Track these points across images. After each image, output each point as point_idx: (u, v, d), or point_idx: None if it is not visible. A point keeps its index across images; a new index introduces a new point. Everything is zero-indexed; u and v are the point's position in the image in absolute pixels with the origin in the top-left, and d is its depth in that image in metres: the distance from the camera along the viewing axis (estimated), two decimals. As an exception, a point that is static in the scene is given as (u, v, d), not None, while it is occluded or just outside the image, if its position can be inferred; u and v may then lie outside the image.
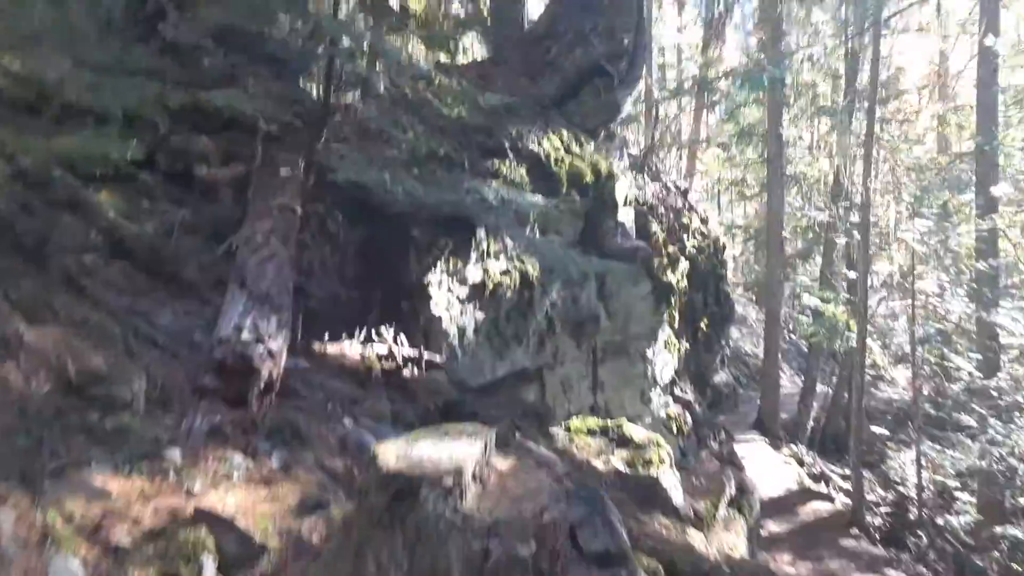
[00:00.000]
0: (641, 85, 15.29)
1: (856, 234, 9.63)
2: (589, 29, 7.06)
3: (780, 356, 13.17)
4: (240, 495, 2.19)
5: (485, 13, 8.39)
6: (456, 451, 1.71)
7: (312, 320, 4.12)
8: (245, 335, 2.74)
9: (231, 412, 2.58)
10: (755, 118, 12.21)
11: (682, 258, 11.94)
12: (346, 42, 4.39)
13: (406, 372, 4.48)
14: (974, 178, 9.85)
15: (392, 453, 1.69)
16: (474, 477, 1.69)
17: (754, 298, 17.79)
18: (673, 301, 8.94)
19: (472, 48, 8.39)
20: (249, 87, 4.10)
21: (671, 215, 12.38)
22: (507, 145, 6.17)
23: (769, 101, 10.77)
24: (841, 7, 9.78)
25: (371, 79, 4.79)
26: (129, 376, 2.48)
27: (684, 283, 11.93)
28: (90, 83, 3.54)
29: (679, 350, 11.81)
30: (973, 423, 9.09)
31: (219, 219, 4.25)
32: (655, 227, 11.60)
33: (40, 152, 2.40)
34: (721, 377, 13.30)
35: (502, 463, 1.89)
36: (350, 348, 4.37)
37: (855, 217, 9.87)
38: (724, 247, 13.07)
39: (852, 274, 10.43)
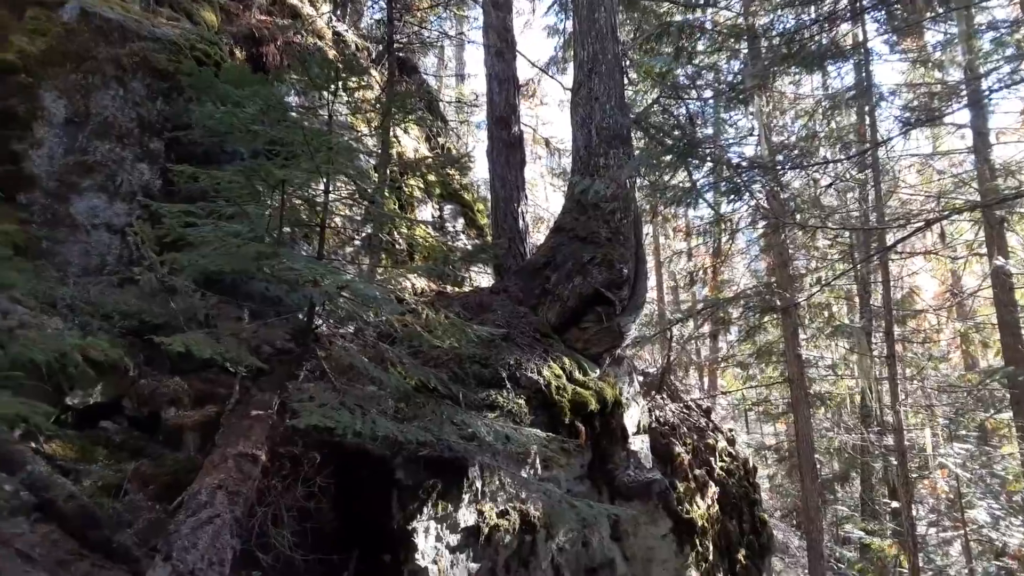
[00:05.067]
0: (653, 308, 15.48)
1: (893, 459, 9.00)
2: (588, 260, 7.11)
3: (828, 594, 11.84)
4: None
5: (490, 241, 8.61)
6: None
7: (271, 583, 3.66)
8: (149, 628, 2.31)
9: None
10: (772, 337, 12.07)
11: (711, 482, 11.19)
12: (328, 283, 4.32)
13: (377, 644, 3.89)
14: (1008, 395, 9.36)
15: None
16: None
17: (795, 524, 16.52)
18: (697, 540, 8.16)
19: (472, 278, 8.49)
20: (219, 328, 3.97)
21: (695, 436, 11.82)
22: (504, 375, 5.93)
23: (783, 322, 10.67)
24: (846, 234, 9.98)
25: (355, 316, 4.68)
26: None
27: (715, 509, 11.09)
28: (53, 331, 3.43)
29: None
30: None
31: (179, 469, 3.95)
32: (679, 448, 11.00)
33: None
34: (766, 619, 11.91)
35: None
36: (314, 616, 3.84)
37: (889, 440, 9.30)
38: (755, 469, 12.30)
39: (895, 503, 9.62)
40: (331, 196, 5.16)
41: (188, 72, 5.32)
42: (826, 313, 11.61)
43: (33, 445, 3.29)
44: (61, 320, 3.55)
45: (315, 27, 8.17)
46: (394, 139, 7.96)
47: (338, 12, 9.68)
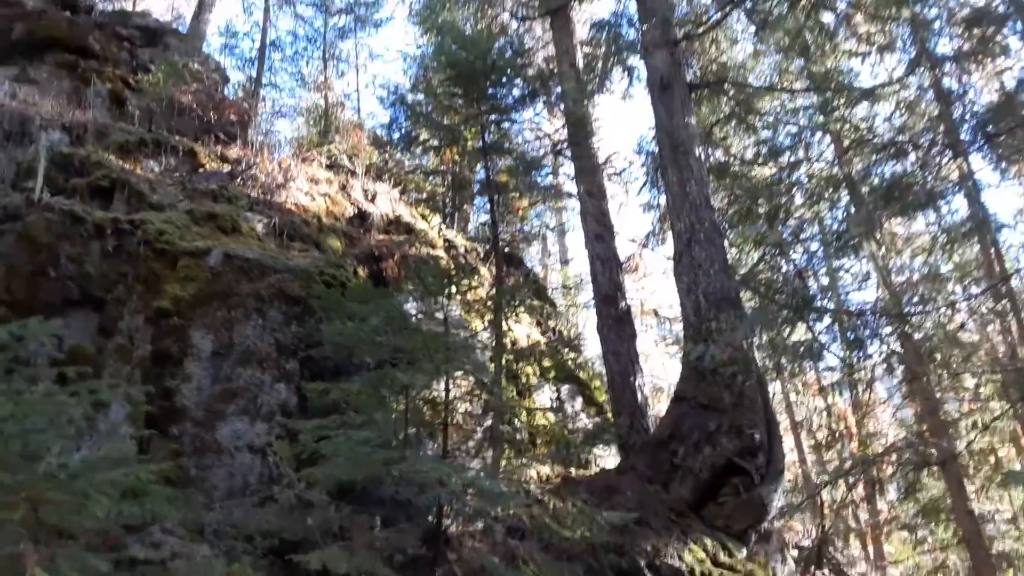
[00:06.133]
0: (796, 472, 14.44)
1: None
2: (715, 428, 6.86)
3: None
4: None
5: (610, 419, 8.51)
6: None
7: None
8: None
9: None
10: (937, 492, 10.90)
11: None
12: (454, 482, 4.37)
13: None
14: None
15: None
16: None
17: None
18: None
19: (597, 457, 8.32)
20: (353, 539, 4.05)
21: (869, 616, 10.56)
22: (643, 563, 5.63)
23: (945, 474, 9.69)
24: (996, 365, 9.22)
25: (482, 512, 4.67)
26: None
27: None
28: (201, 559, 3.61)
29: None
30: None
31: None
32: (853, 633, 9.82)
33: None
34: None
35: None
36: None
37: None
38: (947, 650, 10.72)
39: None
40: (452, 393, 5.35)
41: (318, 295, 5.86)
42: (992, 460, 10.47)
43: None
44: (208, 547, 3.74)
45: (428, 238, 8.87)
46: (507, 329, 8.26)
47: (447, 221, 10.51)
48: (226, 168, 7.64)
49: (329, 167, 8.92)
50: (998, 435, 10.58)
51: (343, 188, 8.53)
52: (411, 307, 7.04)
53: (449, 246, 9.33)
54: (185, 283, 5.40)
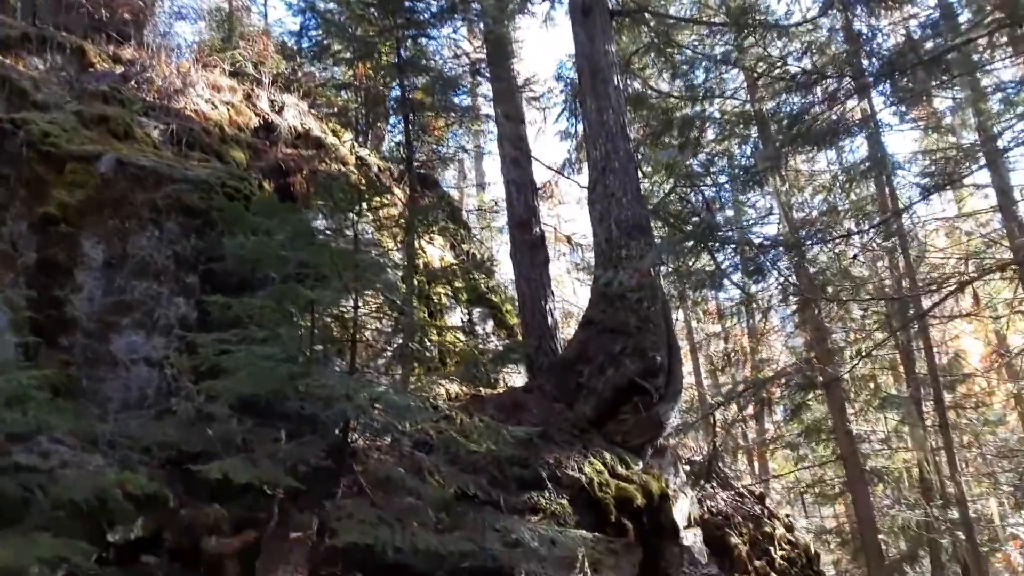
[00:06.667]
0: (693, 393, 15.21)
1: (960, 534, 8.54)
2: (619, 350, 7.10)
3: None
4: None
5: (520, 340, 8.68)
6: None
7: None
8: None
9: None
10: (820, 414, 11.77)
11: (772, 573, 10.67)
12: (361, 397, 4.37)
13: None
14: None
15: None
16: None
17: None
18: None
19: (506, 378, 8.50)
20: (256, 451, 4.03)
21: (751, 525, 11.37)
22: (545, 475, 5.86)
23: (829, 398, 10.44)
24: (882, 304, 9.86)
25: (389, 427, 4.71)
26: None
27: (782, 603, 10.50)
28: (93, 468, 3.52)
29: None
30: None
31: (221, 601, 3.91)
32: (735, 539, 10.56)
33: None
34: None
35: None
36: None
37: (954, 513, 8.85)
38: (818, 556, 11.71)
39: (973, 581, 9.05)
40: (361, 311, 5.30)
41: (219, 208, 5.62)
42: (872, 385, 11.32)
43: (76, 585, 3.31)
44: (102, 457, 3.64)
45: (339, 155, 8.59)
46: (419, 250, 8.21)
47: (360, 139, 10.19)
48: (119, 69, 7.12)
49: (233, 75, 8.44)
50: (879, 362, 11.44)
51: (248, 97, 8.11)
52: (320, 224, 6.86)
53: (361, 164, 9.09)
54: (73, 189, 5.06)
